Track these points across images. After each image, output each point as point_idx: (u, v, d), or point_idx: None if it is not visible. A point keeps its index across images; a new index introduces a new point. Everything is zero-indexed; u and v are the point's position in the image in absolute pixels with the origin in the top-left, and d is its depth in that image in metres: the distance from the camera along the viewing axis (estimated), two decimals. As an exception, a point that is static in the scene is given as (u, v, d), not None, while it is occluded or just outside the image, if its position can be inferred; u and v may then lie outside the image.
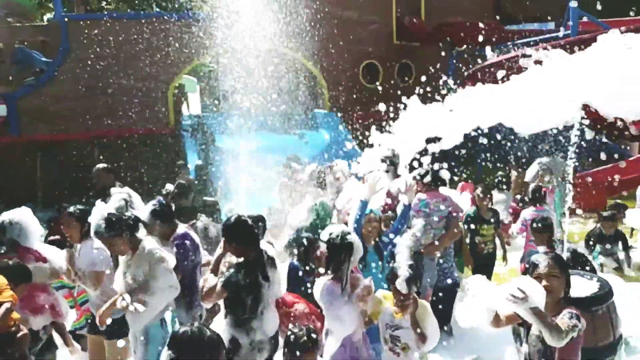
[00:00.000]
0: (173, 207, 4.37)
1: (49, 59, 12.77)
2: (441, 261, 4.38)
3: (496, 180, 7.96)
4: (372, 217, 3.94)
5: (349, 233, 3.39)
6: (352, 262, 3.31)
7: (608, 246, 6.33)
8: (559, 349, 2.44)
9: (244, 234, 3.23)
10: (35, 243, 4.15)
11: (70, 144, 12.04)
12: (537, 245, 4.56)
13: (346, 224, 4.00)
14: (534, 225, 4.69)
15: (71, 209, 4.04)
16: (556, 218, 6.78)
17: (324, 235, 3.52)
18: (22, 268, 3.78)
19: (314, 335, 2.80)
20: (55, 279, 4.19)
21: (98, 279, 3.85)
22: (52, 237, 5.43)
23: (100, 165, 5.89)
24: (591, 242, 6.50)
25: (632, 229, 7.04)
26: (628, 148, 11.69)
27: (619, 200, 7.30)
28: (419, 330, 3.07)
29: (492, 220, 5.60)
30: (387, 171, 4.82)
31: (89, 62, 12.70)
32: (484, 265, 5.36)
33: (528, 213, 5.88)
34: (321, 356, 3.30)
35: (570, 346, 2.42)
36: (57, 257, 4.11)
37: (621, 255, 6.33)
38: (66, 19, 12.94)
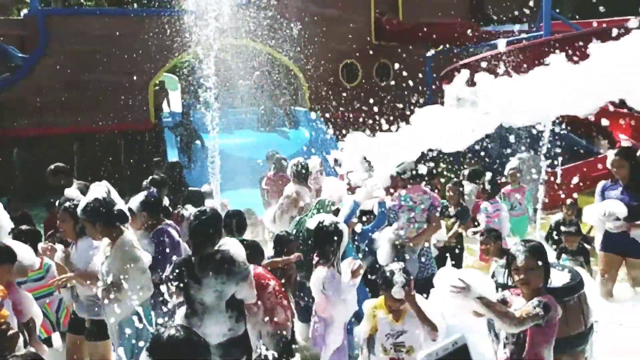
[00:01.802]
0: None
1: (26, 55, 12.52)
2: (422, 255, 4.53)
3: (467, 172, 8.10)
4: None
5: (338, 222, 3.59)
6: (340, 248, 3.51)
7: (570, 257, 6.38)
8: (530, 337, 2.46)
9: (192, 229, 3.18)
10: (3, 238, 3.94)
11: (48, 139, 11.84)
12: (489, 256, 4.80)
13: None
14: (481, 233, 4.97)
15: (67, 204, 3.95)
16: (528, 214, 7.03)
17: (312, 224, 3.64)
18: (6, 248, 3.56)
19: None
20: (23, 277, 3.97)
21: (94, 279, 3.72)
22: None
23: (52, 166, 5.81)
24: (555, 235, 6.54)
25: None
26: (597, 145, 12.10)
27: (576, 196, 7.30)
28: (426, 319, 2.93)
29: (452, 214, 5.88)
30: (367, 170, 4.94)
31: (68, 57, 12.48)
32: (444, 258, 5.67)
33: (484, 206, 6.17)
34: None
35: (540, 334, 2.45)
36: (26, 254, 3.88)
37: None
38: (43, 14, 12.70)
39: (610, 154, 4.64)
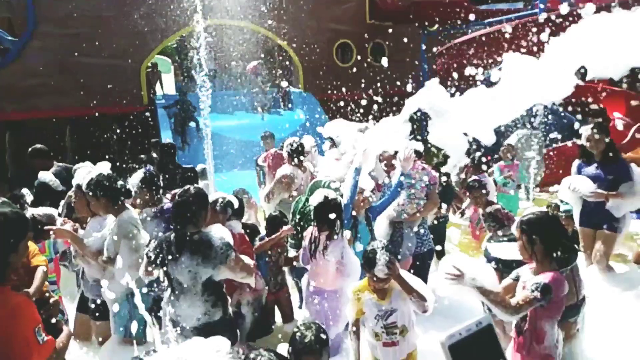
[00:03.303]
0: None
1: (15, 38, 12.32)
2: (419, 230, 4.54)
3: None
4: (361, 189, 3.98)
5: (339, 196, 3.66)
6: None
7: None
8: (532, 309, 2.38)
9: (174, 207, 3.17)
10: None
11: (41, 122, 11.72)
12: (476, 206, 4.78)
13: None
14: (469, 184, 4.93)
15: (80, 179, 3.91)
16: (519, 191, 7.02)
17: (315, 200, 3.62)
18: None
19: (323, 336, 2.38)
20: None
21: (87, 251, 3.68)
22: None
23: (30, 149, 5.72)
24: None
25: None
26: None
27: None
28: (411, 289, 2.80)
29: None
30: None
31: (58, 40, 12.30)
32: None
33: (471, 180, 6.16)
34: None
35: (543, 310, 2.38)
36: None
37: None
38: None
39: (586, 129, 4.60)
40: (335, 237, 3.54)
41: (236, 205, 3.99)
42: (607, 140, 4.51)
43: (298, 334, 2.36)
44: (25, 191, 5.22)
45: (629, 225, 4.75)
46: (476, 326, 1.31)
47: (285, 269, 4.39)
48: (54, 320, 2.47)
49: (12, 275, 2.87)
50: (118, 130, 11.90)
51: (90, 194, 3.55)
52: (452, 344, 1.24)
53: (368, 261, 2.89)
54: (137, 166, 5.36)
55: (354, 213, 3.92)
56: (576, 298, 3.33)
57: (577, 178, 4.61)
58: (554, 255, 2.46)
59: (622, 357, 3.37)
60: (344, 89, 13.26)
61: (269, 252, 4.15)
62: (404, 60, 14.29)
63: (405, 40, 11.90)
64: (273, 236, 3.96)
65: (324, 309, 3.58)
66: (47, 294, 3.12)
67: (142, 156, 6.52)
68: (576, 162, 4.80)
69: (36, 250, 3.45)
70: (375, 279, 2.88)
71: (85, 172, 4.25)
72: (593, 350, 3.49)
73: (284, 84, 13.37)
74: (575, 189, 4.48)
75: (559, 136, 9.10)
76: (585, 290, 3.61)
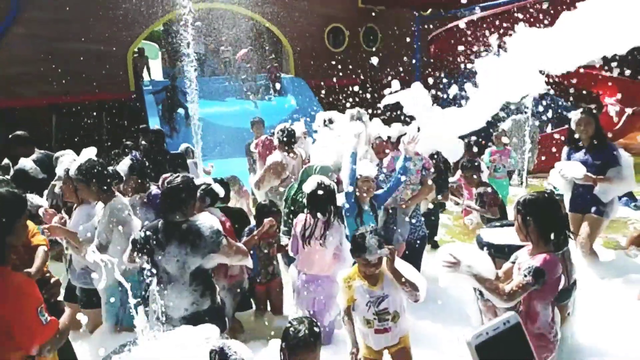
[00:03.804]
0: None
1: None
2: (413, 216, 4.50)
3: None
4: (367, 177, 3.90)
5: (332, 182, 3.63)
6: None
7: None
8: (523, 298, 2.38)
9: (162, 194, 3.10)
10: None
11: (25, 111, 11.51)
12: (467, 186, 4.78)
13: None
14: (463, 164, 4.88)
15: (65, 165, 3.84)
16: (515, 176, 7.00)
17: (309, 186, 3.57)
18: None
19: (316, 329, 2.35)
20: None
21: (75, 239, 3.61)
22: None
23: (10, 136, 5.61)
24: None
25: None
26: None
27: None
28: (404, 280, 2.75)
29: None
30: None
31: (42, 26, 12.05)
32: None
33: (465, 160, 6.14)
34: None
35: (537, 291, 2.36)
36: None
37: None
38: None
39: (575, 114, 4.62)
40: (335, 223, 3.53)
41: (222, 194, 3.91)
42: (595, 125, 4.51)
43: (291, 329, 2.32)
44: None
45: (616, 211, 4.77)
46: (503, 325, 1.26)
47: (279, 256, 4.31)
48: (54, 301, 2.47)
49: (12, 254, 2.84)
50: (108, 118, 11.73)
51: (81, 180, 3.48)
52: (479, 343, 1.19)
53: (358, 246, 2.81)
54: (121, 152, 5.28)
55: (358, 201, 3.86)
56: (567, 282, 3.32)
57: (567, 163, 4.61)
58: (549, 237, 2.43)
59: (612, 341, 3.37)
60: (336, 75, 13.16)
61: (260, 244, 4.07)
62: (397, 46, 14.19)
63: (398, 24, 11.82)
64: (255, 232, 3.86)
65: (319, 296, 3.54)
66: (47, 274, 3.09)
67: (128, 142, 6.43)
68: (565, 149, 4.82)
69: (35, 229, 3.37)
70: (365, 263, 2.80)
71: (70, 160, 4.18)
72: (583, 334, 3.49)
73: (272, 68, 13.23)
74: (565, 174, 4.49)
75: (552, 122, 9.11)
76: (576, 274, 3.62)
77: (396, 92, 4.24)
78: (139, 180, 4.09)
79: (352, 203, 3.85)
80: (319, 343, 2.33)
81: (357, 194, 3.90)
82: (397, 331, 2.86)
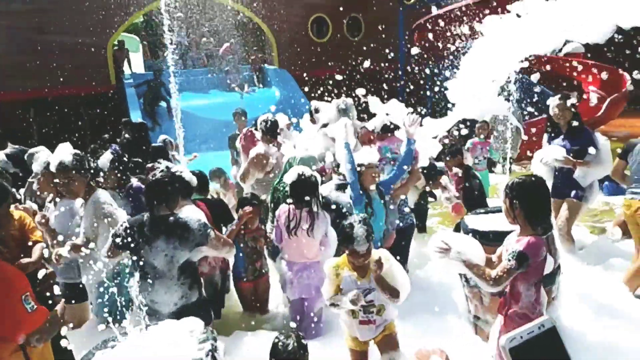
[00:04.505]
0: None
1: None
2: (401, 207, 4.50)
3: None
4: (372, 164, 3.86)
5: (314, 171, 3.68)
6: None
7: None
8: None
9: (148, 187, 3.04)
10: None
11: (4, 104, 11.26)
12: (450, 168, 4.83)
13: None
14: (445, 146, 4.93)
15: (43, 160, 3.78)
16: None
17: (290, 177, 3.57)
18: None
19: (303, 341, 2.38)
20: None
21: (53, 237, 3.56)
22: None
23: None
24: None
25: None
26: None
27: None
28: (386, 286, 2.74)
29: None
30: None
31: (19, 18, 11.75)
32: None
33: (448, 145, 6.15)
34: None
35: (521, 272, 2.40)
36: None
37: None
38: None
39: (553, 100, 4.69)
40: (321, 213, 3.58)
41: (194, 182, 3.85)
42: (573, 110, 4.58)
43: (280, 344, 2.35)
44: None
45: (596, 196, 4.84)
46: (538, 329, 1.26)
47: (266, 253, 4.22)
48: (49, 294, 2.45)
49: (3, 247, 2.84)
50: (89, 112, 11.53)
51: (79, 170, 3.41)
52: (513, 346, 1.19)
53: (346, 236, 2.76)
54: (99, 147, 5.19)
55: (365, 190, 3.84)
56: (552, 266, 3.34)
57: (547, 148, 4.69)
58: (535, 220, 2.44)
59: (595, 324, 3.42)
60: (320, 65, 13.09)
61: (244, 238, 4.00)
62: (381, 36, 14.12)
63: (382, 13, 11.76)
64: (233, 223, 3.81)
65: (313, 282, 3.59)
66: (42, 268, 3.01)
67: (106, 135, 6.33)
68: (545, 135, 4.87)
69: (32, 223, 3.29)
70: (354, 254, 2.77)
71: (46, 156, 4.11)
72: (568, 317, 3.53)
73: (255, 59, 13.09)
74: (546, 160, 4.54)
75: (534, 111, 9.16)
76: (560, 259, 3.66)
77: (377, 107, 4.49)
78: (119, 175, 4.04)
79: (359, 193, 3.80)
80: (307, 355, 2.38)
81: (363, 182, 3.84)
82: (381, 322, 2.86)
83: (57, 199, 3.76)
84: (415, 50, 5.35)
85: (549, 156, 4.53)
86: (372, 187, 3.86)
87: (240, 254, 3.96)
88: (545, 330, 1.25)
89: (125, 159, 4.26)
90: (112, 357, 2.17)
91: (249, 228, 3.99)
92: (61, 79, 11.69)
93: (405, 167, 4.06)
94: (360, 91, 4.73)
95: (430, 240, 2.63)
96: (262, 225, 4.14)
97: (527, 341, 1.21)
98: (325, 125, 4.97)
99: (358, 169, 3.81)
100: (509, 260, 2.35)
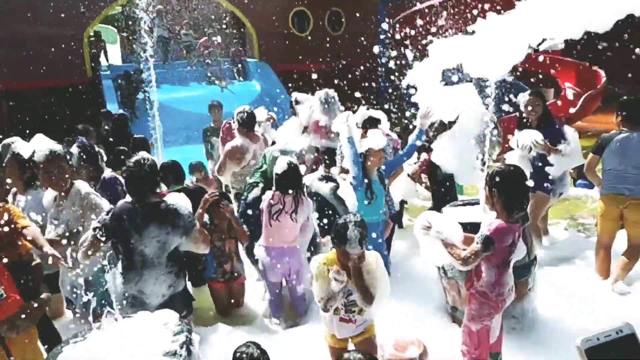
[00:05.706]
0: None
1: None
2: (386, 197, 4.50)
3: None
4: (379, 149, 3.84)
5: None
6: None
7: None
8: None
9: (134, 176, 2.96)
10: None
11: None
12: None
13: None
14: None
15: (17, 150, 3.60)
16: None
17: (279, 167, 3.65)
18: None
19: (263, 348, 2.35)
20: None
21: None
22: None
23: None
24: None
25: None
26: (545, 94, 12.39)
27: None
28: (361, 286, 2.65)
29: None
30: (325, 113, 4.79)
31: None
32: None
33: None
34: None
35: (480, 263, 2.56)
36: None
37: None
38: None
39: (523, 96, 4.73)
40: (304, 199, 3.73)
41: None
42: (543, 105, 4.63)
43: (244, 355, 2.27)
44: None
45: (566, 191, 4.89)
46: (616, 333, 1.25)
47: (244, 254, 4.12)
48: (34, 285, 2.43)
49: None
50: (61, 104, 11.25)
51: (59, 162, 3.27)
52: (589, 347, 1.19)
53: (339, 236, 2.63)
54: (72, 139, 5.05)
55: (367, 173, 3.87)
56: (528, 258, 3.39)
57: (522, 134, 4.56)
58: (512, 208, 2.51)
59: (571, 315, 3.48)
60: (301, 59, 13.01)
61: (211, 237, 3.69)
62: (362, 30, 14.13)
63: (363, 7, 11.75)
64: (199, 208, 3.64)
65: (292, 266, 3.71)
66: (26, 258, 2.96)
67: (79, 126, 6.16)
68: (517, 132, 4.88)
69: (18, 211, 3.15)
70: (345, 254, 2.66)
71: (26, 146, 3.96)
72: (544, 309, 3.59)
73: (235, 52, 12.96)
74: (524, 143, 4.47)
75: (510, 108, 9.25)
76: (536, 251, 3.71)
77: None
78: (91, 167, 3.94)
79: (361, 180, 3.81)
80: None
81: (368, 166, 3.87)
82: (361, 322, 2.82)
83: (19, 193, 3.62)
84: (394, 53, 5.34)
85: (527, 139, 4.49)
86: (374, 169, 3.93)
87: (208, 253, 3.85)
88: (623, 335, 1.26)
89: (93, 150, 4.09)
90: (83, 347, 2.11)
91: (217, 226, 3.91)
92: (35, 71, 11.38)
93: (408, 155, 4.21)
94: (363, 109, 4.66)
95: (417, 219, 2.74)
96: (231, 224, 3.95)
97: (604, 344, 1.22)
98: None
99: (365, 152, 3.85)
100: (477, 243, 2.48)
